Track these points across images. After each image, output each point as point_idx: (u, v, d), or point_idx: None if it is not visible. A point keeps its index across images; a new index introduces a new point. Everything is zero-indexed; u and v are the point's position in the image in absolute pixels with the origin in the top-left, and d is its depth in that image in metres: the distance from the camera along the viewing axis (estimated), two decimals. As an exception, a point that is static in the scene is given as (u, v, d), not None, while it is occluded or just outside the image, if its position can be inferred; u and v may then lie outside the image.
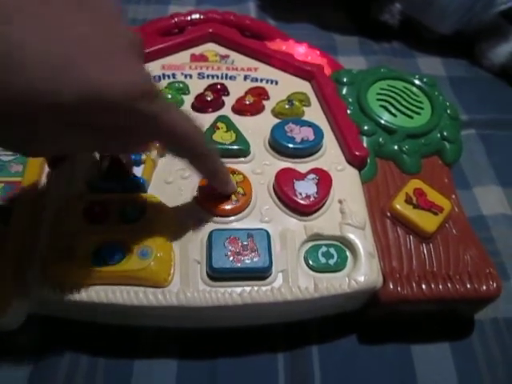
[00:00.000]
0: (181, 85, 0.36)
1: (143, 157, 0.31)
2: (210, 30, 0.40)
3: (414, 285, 0.28)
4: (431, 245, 0.30)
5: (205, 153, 0.25)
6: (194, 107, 0.35)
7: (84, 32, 0.19)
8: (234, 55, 0.40)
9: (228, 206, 0.29)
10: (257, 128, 0.34)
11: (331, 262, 0.28)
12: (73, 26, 0.19)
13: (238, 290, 0.27)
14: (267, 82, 0.38)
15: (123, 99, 0.20)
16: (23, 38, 0.17)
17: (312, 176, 0.31)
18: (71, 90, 0.18)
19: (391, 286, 0.28)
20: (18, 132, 0.20)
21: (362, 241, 0.29)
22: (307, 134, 0.33)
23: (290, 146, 0.32)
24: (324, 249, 0.28)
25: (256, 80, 0.38)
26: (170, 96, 0.35)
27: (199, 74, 0.38)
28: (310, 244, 0.29)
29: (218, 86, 0.37)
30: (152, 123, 0.22)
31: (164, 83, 0.37)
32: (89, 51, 0.19)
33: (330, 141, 0.34)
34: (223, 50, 0.40)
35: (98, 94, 0.19)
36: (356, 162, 0.33)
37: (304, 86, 0.38)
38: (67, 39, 0.19)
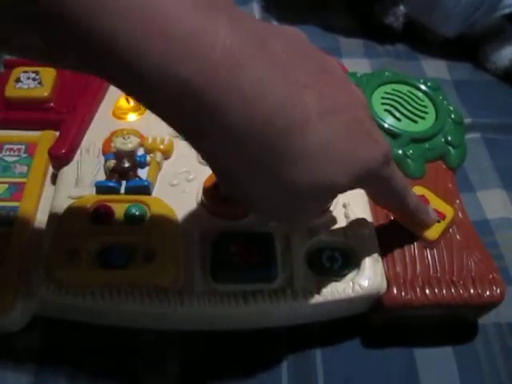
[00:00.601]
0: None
1: (148, 159, 0.31)
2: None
3: (418, 290, 0.28)
4: (435, 250, 0.30)
5: (413, 202, 0.26)
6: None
7: (350, 112, 0.20)
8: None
9: (233, 209, 0.29)
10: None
11: (335, 266, 0.28)
12: (345, 108, 0.19)
13: (242, 293, 0.27)
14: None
15: (380, 167, 0.21)
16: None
17: (316, 179, 0.30)
18: (348, 172, 0.19)
19: (395, 291, 0.28)
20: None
21: (367, 245, 0.29)
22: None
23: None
24: (328, 253, 0.28)
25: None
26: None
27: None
28: (315, 248, 0.29)
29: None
30: (387, 185, 0.23)
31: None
32: (349, 127, 0.19)
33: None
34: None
35: (368, 169, 0.20)
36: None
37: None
38: (349, 124, 0.19)
